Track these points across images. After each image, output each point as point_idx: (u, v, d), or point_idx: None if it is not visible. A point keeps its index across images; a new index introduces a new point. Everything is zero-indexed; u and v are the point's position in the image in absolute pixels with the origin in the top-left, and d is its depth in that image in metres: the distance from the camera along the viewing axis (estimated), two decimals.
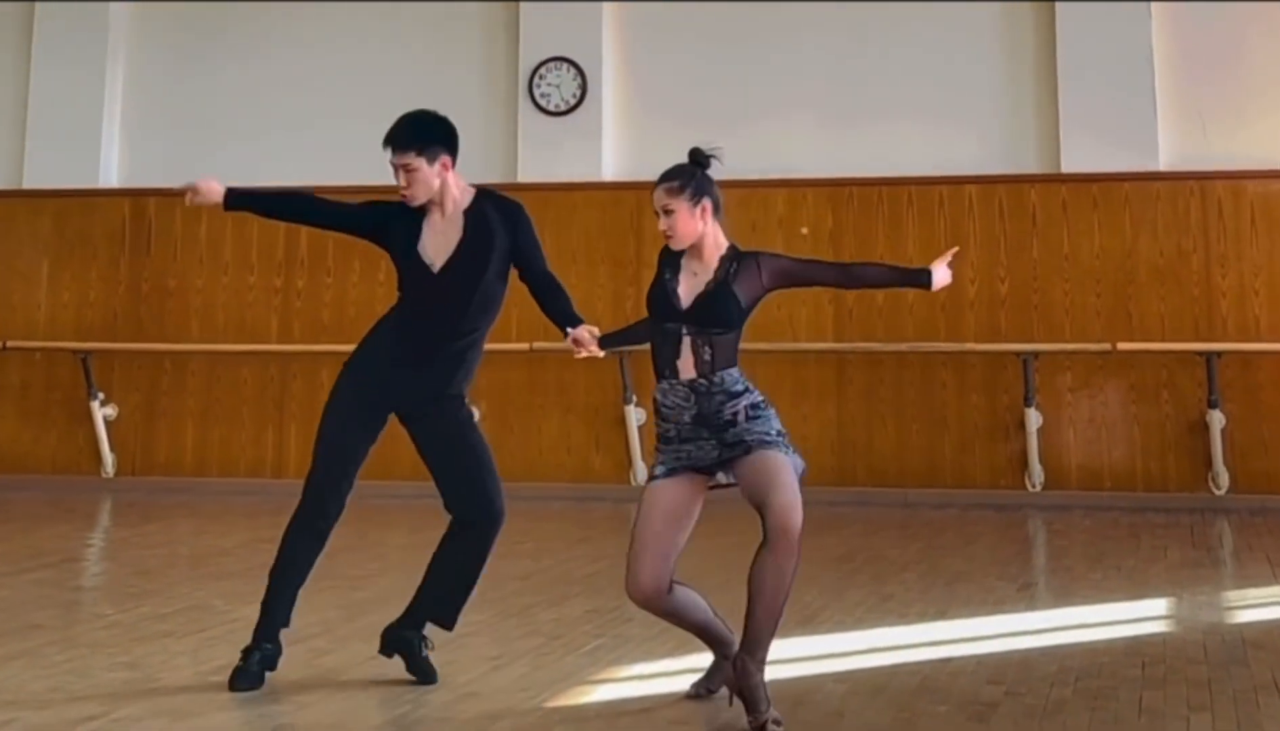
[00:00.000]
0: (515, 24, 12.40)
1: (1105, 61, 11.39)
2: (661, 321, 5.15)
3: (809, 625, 6.51)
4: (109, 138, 12.98)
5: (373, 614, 6.80)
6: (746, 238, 11.21)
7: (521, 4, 12.36)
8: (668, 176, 5.25)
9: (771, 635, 4.92)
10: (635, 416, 11.51)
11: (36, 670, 5.69)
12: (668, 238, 5.22)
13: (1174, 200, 11.33)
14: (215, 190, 5.72)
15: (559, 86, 12.23)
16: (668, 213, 5.19)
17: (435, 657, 5.88)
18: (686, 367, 5.09)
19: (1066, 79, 11.48)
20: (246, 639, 6.22)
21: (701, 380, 5.08)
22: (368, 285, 12.28)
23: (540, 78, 12.23)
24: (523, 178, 12.12)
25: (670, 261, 5.26)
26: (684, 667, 5.70)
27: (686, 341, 5.10)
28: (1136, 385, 11.17)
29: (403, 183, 5.58)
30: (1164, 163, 11.39)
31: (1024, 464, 11.12)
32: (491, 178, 12.22)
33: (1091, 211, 11.41)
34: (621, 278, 11.89)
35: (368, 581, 7.77)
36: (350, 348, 11.96)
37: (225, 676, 5.58)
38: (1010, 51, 11.75)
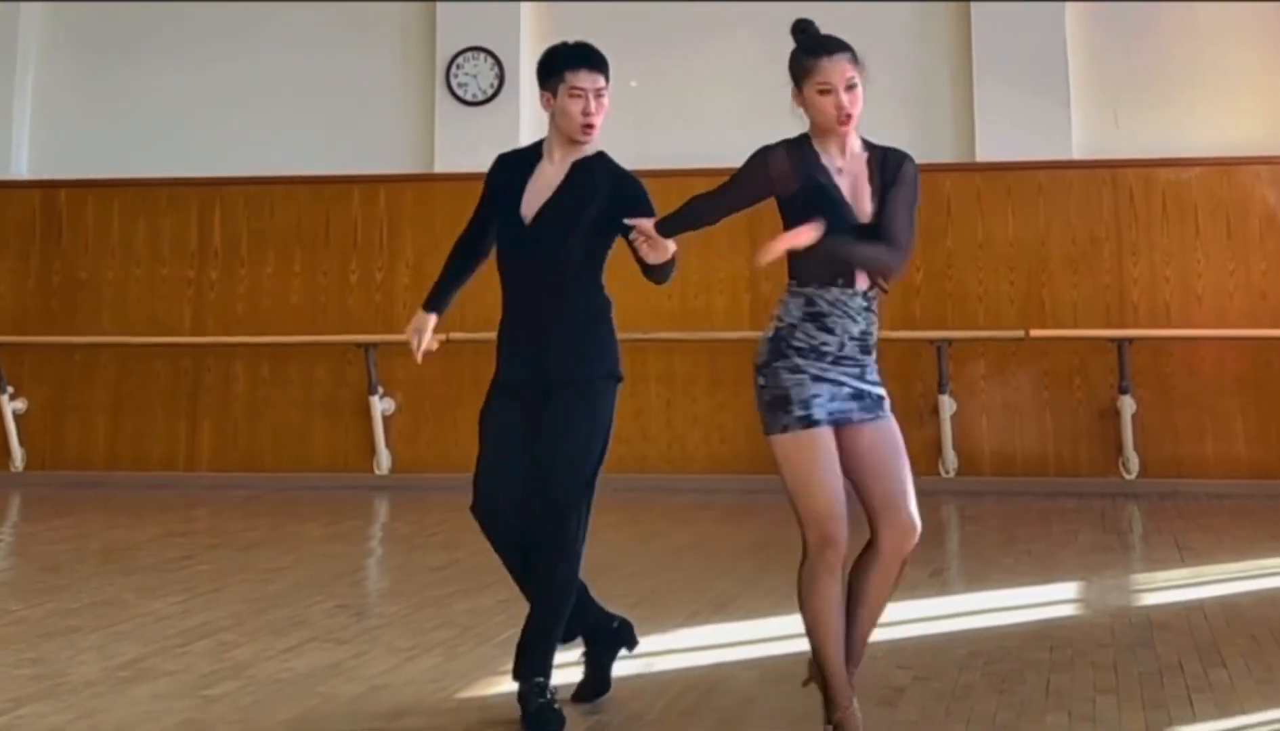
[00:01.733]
0: (433, 13, 12.31)
1: (1019, 51, 11.47)
2: (831, 224, 4.36)
3: (722, 613, 6.54)
4: (19, 128, 12.77)
5: (284, 607, 6.78)
6: None
7: None
8: (843, 44, 4.57)
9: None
10: None
11: None
12: (844, 121, 4.46)
13: (1086, 188, 11.44)
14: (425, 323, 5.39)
15: (476, 76, 12.16)
16: (851, 87, 4.47)
17: (347, 649, 5.87)
18: (863, 276, 4.44)
19: (981, 68, 11.55)
20: (156, 633, 6.21)
21: (873, 292, 4.47)
22: (282, 277, 12.18)
23: (458, 67, 12.16)
24: (439, 168, 12.07)
25: (797, 151, 4.50)
26: None
27: None
28: (1049, 371, 11.28)
29: (592, 110, 5.01)
30: (1077, 151, 11.49)
31: (938, 450, 11.19)
32: (407, 167, 12.18)
33: (1005, 200, 11.50)
34: None
35: (281, 574, 7.71)
36: (263, 340, 12.03)
37: (134, 670, 5.52)
38: (925, 40, 11.81)
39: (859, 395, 4.43)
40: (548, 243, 5.00)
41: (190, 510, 10.67)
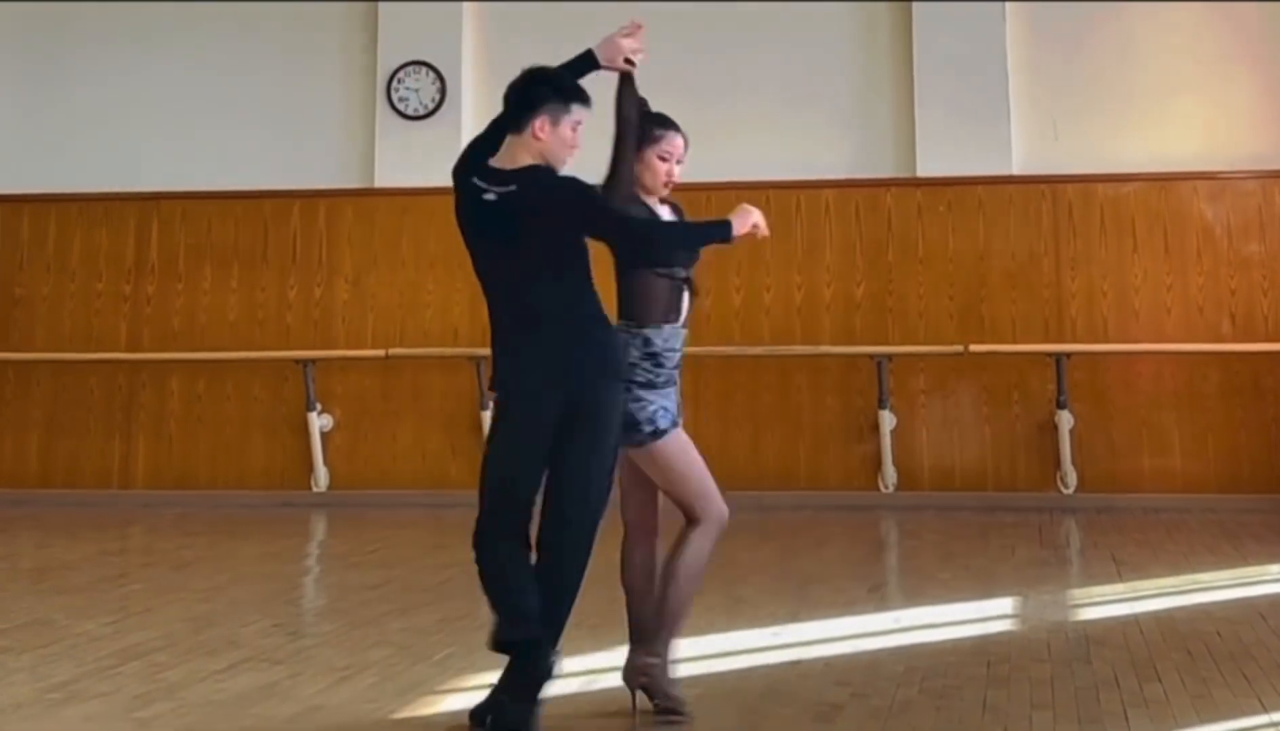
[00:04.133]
0: (374, 27, 12.25)
1: (960, 66, 11.53)
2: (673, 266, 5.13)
3: None
4: None
5: (218, 627, 6.71)
6: None
7: (380, 6, 12.21)
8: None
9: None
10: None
11: None
12: (670, 183, 5.31)
13: (1026, 203, 11.50)
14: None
15: (418, 91, 12.12)
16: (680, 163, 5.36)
17: (282, 669, 5.81)
18: (684, 310, 5.18)
19: (922, 84, 11.60)
20: (88, 654, 6.13)
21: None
22: (220, 293, 12.07)
23: (399, 82, 12.11)
24: (380, 182, 12.01)
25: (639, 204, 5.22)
26: None
27: (685, 288, 5.19)
28: (988, 386, 11.33)
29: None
30: (1017, 166, 11.56)
31: (878, 465, 11.22)
32: (349, 182, 12.12)
33: (946, 215, 11.55)
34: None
35: (215, 593, 7.63)
36: (199, 356, 11.83)
37: (65, 693, 5.45)
38: (867, 56, 11.85)
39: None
40: None
41: (124, 528, 10.58)
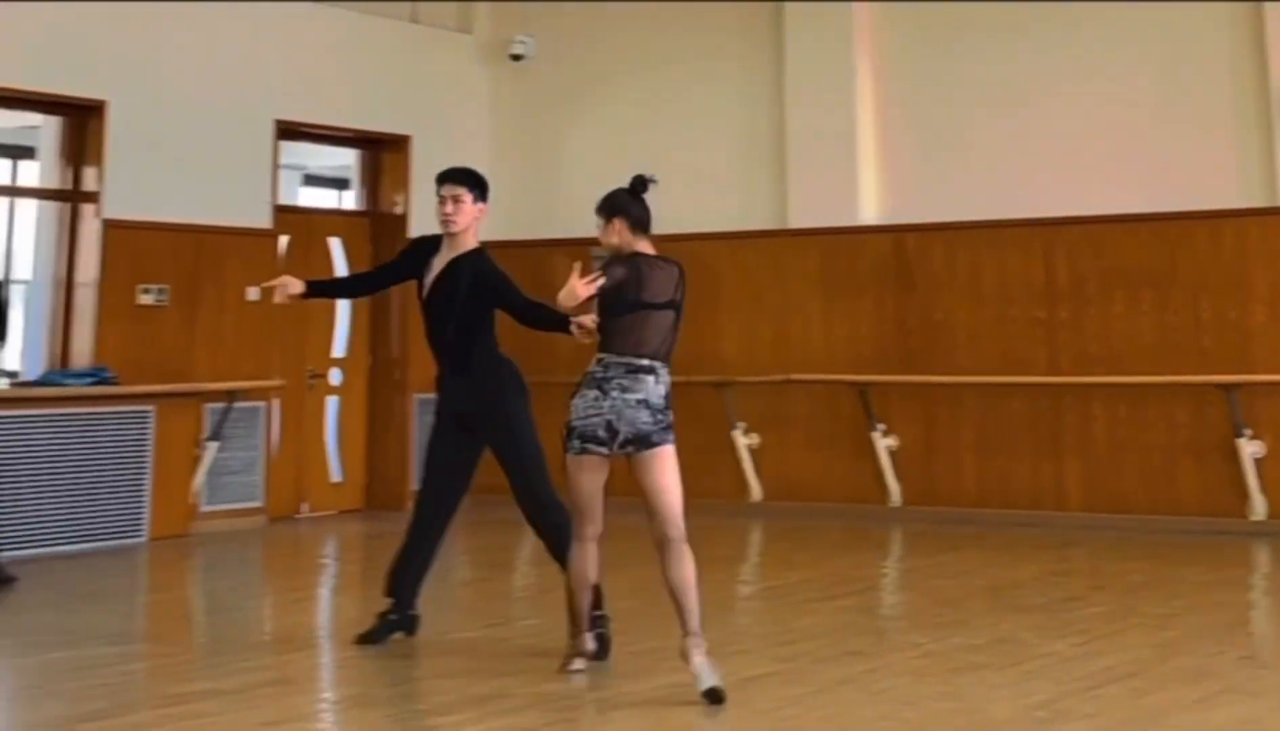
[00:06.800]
0: (1261, 35, 11.87)
1: None
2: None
3: None
4: (864, 177, 13.44)
5: (1185, 654, 6.87)
6: None
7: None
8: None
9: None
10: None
11: (864, 697, 6.21)
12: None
13: None
14: (294, 283, 7.23)
15: None
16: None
17: (1262, 703, 5.88)
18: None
19: None
20: (1063, 674, 6.49)
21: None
22: (1131, 316, 12.14)
23: None
24: None
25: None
26: None
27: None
28: None
29: (449, 211, 7.16)
30: None
31: None
32: (1251, 201, 11.83)
33: None
34: None
35: (1173, 620, 7.78)
36: (1119, 379, 11.77)
37: (1050, 711, 5.82)
38: None
39: None
40: (435, 314, 7.21)
41: (1064, 550, 10.76)
